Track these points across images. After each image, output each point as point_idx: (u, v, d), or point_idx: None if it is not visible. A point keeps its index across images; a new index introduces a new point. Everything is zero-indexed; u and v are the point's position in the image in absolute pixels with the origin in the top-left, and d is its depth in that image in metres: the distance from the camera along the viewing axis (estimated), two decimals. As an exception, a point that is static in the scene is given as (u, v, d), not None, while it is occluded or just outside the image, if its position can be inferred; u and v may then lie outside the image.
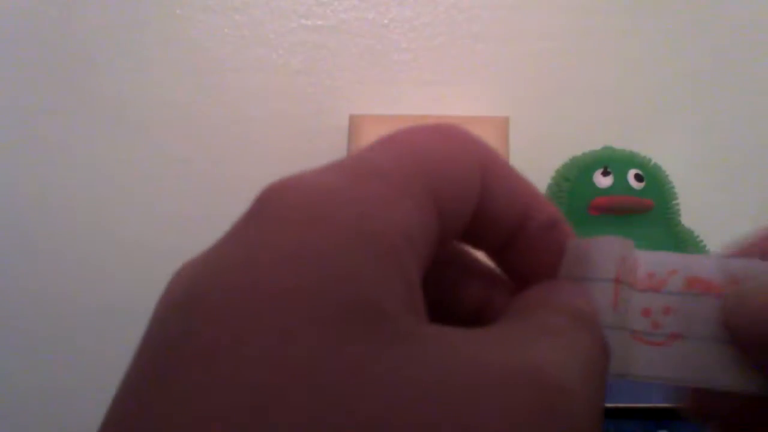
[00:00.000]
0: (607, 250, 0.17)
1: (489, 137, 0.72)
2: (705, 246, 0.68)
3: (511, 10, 0.83)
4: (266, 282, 0.11)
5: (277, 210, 0.12)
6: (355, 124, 0.74)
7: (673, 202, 0.69)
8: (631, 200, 0.66)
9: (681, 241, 0.68)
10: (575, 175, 0.68)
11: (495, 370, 0.11)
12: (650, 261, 0.18)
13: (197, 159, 0.81)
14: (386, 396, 0.10)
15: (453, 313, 0.17)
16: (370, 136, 0.65)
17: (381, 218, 0.12)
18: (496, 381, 0.11)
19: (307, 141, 0.80)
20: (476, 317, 0.17)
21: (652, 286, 0.18)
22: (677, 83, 0.83)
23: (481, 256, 0.18)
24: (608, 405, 0.56)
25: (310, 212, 0.12)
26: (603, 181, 0.67)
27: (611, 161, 0.68)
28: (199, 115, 0.82)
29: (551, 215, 0.16)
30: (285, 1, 0.83)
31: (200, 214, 0.79)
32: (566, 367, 0.12)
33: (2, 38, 0.82)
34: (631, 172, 0.67)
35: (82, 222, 0.81)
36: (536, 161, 0.75)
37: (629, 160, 0.69)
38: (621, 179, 0.67)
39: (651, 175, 0.68)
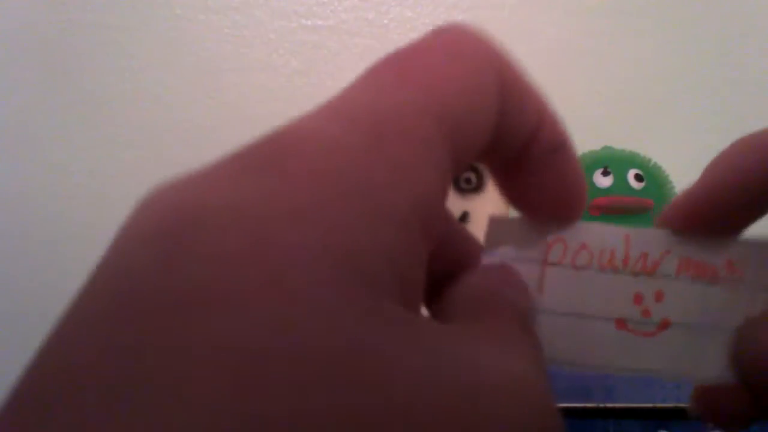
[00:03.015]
0: (530, 233, 0.17)
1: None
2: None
3: (511, 10, 0.83)
4: (272, 234, 0.10)
5: (292, 165, 0.11)
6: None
7: (673, 202, 0.69)
8: (631, 200, 0.66)
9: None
10: (575, 175, 0.69)
11: (492, 374, 0.11)
12: (642, 240, 0.17)
13: (197, 159, 0.81)
14: (382, 383, 0.09)
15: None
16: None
17: (397, 190, 0.11)
18: (495, 384, 0.11)
19: (307, 141, 0.80)
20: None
21: (645, 269, 0.17)
22: (677, 83, 0.83)
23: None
24: (608, 405, 0.56)
25: (327, 174, 0.11)
26: (603, 181, 0.67)
27: (611, 161, 0.68)
28: (198, 116, 0.82)
29: (557, 137, 0.15)
30: (285, 2, 0.83)
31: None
32: (537, 375, 0.12)
33: (0, 38, 0.82)
34: (631, 172, 0.67)
35: (79, 223, 0.81)
36: (536, 161, 0.75)
37: (629, 160, 0.69)
38: (621, 179, 0.67)
39: (651, 175, 0.68)
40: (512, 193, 0.16)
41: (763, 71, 0.83)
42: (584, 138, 0.74)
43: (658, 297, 0.17)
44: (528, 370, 0.12)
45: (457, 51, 0.14)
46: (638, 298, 0.17)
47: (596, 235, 0.17)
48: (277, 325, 0.09)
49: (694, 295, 0.17)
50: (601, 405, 0.55)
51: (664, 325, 0.17)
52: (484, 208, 0.63)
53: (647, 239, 0.17)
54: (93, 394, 0.08)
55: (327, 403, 0.09)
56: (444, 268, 0.16)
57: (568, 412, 0.54)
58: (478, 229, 0.18)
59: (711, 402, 0.18)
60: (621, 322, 0.17)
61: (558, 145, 0.15)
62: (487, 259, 0.17)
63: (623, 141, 0.71)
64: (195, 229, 0.10)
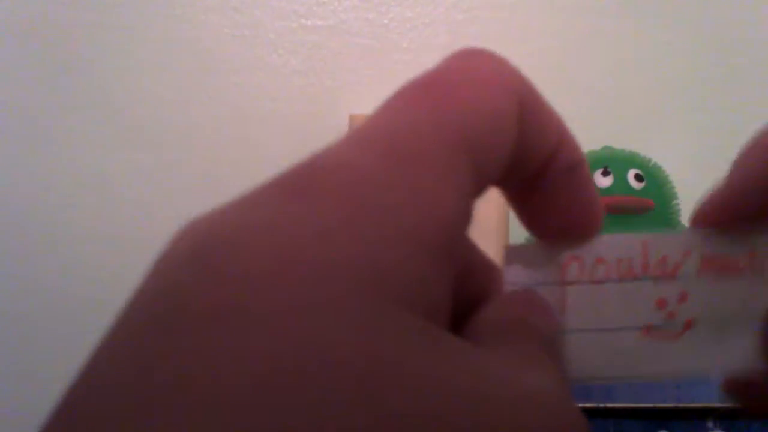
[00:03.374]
0: (546, 256, 0.17)
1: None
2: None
3: (511, 10, 0.83)
4: (302, 253, 0.10)
5: (319, 190, 0.12)
6: (355, 124, 0.74)
7: (673, 202, 0.69)
8: (631, 200, 0.66)
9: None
10: (575, 175, 0.69)
11: (516, 386, 0.11)
12: (660, 244, 0.17)
13: (197, 159, 0.81)
14: (416, 395, 0.10)
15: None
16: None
17: (417, 212, 0.12)
18: (520, 397, 0.11)
19: (306, 141, 0.80)
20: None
21: (666, 273, 0.17)
22: (677, 83, 0.83)
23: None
24: (608, 405, 0.56)
25: (352, 197, 0.11)
26: (603, 181, 0.67)
27: (611, 161, 0.68)
28: (198, 115, 0.82)
29: (573, 157, 0.15)
30: (285, 1, 0.83)
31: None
32: (559, 388, 0.13)
33: (2, 39, 0.82)
34: (631, 172, 0.67)
35: (79, 222, 0.81)
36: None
37: (629, 160, 0.69)
38: (621, 179, 0.67)
39: (651, 175, 0.68)
40: (529, 214, 0.17)
41: (763, 71, 0.83)
42: (584, 138, 0.74)
43: (682, 298, 0.17)
44: (550, 383, 0.13)
45: (476, 75, 0.14)
46: (662, 303, 0.17)
47: (612, 247, 0.17)
48: (309, 337, 0.09)
49: (718, 291, 0.17)
50: (601, 405, 0.55)
51: (689, 324, 0.16)
52: (484, 207, 0.63)
53: (665, 243, 0.17)
54: (129, 404, 0.09)
55: (361, 413, 0.09)
56: (467, 297, 0.16)
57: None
58: (477, 228, 0.17)
59: (742, 388, 0.17)
60: (647, 329, 0.16)
61: (575, 163, 0.16)
62: (507, 287, 0.17)
63: (623, 141, 0.71)
64: (228, 250, 0.10)
